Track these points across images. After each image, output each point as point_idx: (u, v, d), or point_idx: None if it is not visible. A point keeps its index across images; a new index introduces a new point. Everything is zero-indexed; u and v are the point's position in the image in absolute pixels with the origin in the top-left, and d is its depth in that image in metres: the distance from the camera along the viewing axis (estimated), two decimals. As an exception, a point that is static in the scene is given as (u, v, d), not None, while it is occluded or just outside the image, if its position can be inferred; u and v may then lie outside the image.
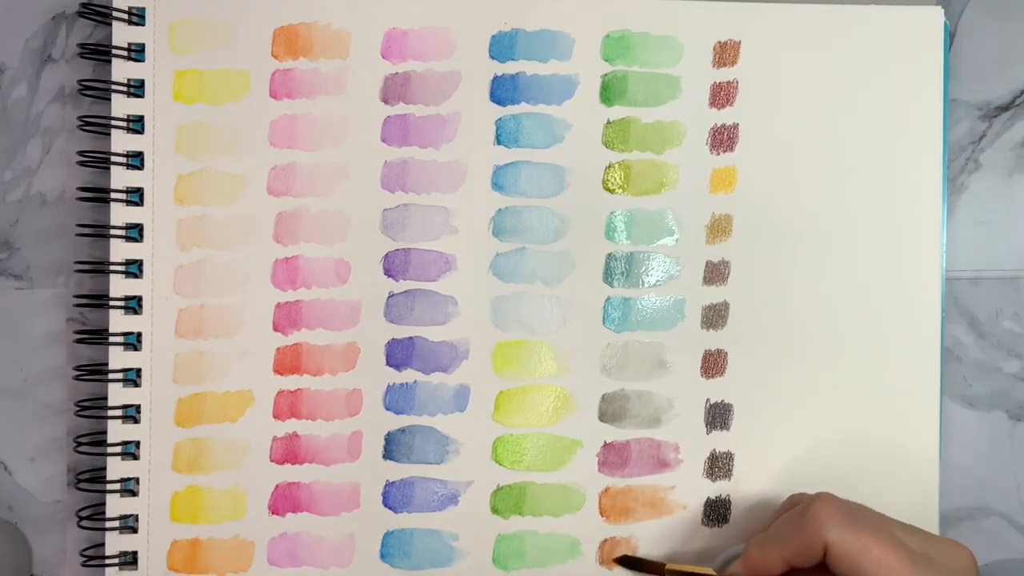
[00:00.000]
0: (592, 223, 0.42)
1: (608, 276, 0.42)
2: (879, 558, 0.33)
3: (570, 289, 0.42)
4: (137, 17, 0.41)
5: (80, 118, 0.40)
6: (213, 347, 0.41)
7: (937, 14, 0.42)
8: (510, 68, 0.42)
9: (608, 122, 0.42)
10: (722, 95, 0.42)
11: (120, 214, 0.41)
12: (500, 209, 0.42)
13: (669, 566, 0.40)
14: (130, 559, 0.41)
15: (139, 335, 0.41)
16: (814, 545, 0.34)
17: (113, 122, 0.40)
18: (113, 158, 0.40)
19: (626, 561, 0.42)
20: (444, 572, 0.42)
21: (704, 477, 0.42)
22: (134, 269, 0.41)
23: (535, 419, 0.42)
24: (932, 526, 0.42)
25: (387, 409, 0.42)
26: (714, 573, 0.38)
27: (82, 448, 0.40)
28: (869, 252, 0.42)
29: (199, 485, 0.41)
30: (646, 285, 0.42)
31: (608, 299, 0.42)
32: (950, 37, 0.44)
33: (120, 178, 0.41)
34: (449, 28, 0.42)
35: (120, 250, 0.41)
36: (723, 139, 0.42)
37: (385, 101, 0.42)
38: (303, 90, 0.41)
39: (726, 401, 0.42)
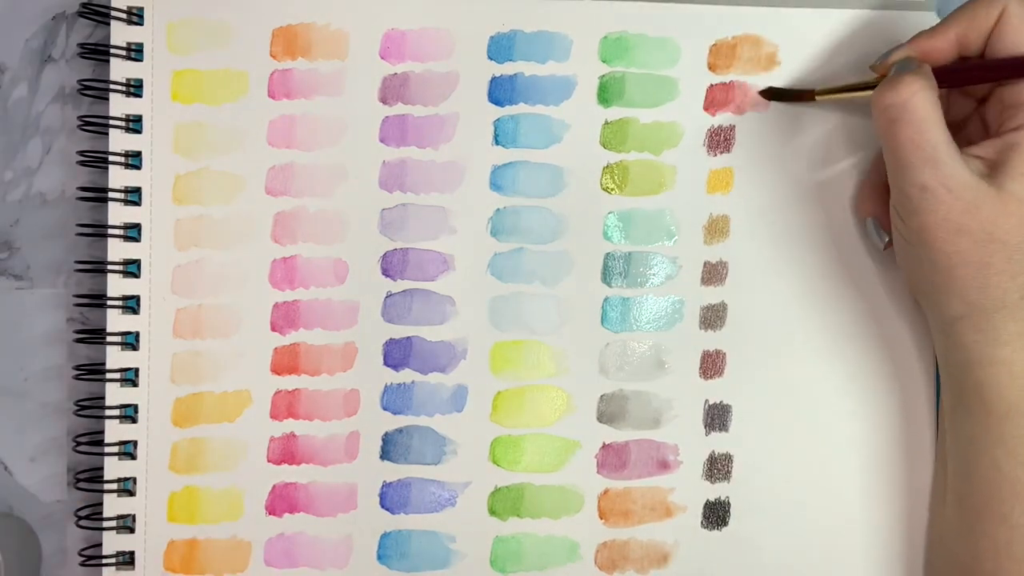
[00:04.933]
0: (590, 223, 0.42)
1: (606, 276, 0.42)
2: None
3: (568, 289, 0.42)
4: (136, 17, 0.41)
5: (80, 118, 0.40)
6: (211, 347, 0.41)
7: (931, 19, 0.42)
8: (508, 69, 0.42)
9: (606, 123, 0.42)
10: (719, 97, 0.42)
11: (118, 214, 0.41)
12: (498, 209, 0.42)
13: (819, 91, 0.40)
14: (127, 559, 0.41)
15: (137, 335, 0.41)
16: (992, 8, 0.34)
17: (111, 122, 0.40)
18: (111, 158, 0.40)
19: (771, 93, 0.42)
20: (441, 574, 0.41)
21: (703, 479, 0.42)
22: (132, 269, 0.41)
23: (533, 420, 0.42)
24: (932, 528, 0.42)
25: (384, 409, 0.41)
26: (873, 78, 0.37)
27: (81, 448, 0.40)
28: (867, 252, 0.42)
29: (196, 485, 0.41)
30: (644, 285, 0.42)
31: (606, 299, 0.42)
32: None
33: (118, 178, 0.41)
34: (448, 29, 0.42)
35: (118, 250, 0.41)
36: (720, 140, 0.42)
37: (383, 101, 0.42)
38: (302, 90, 0.41)
39: (725, 402, 0.42)
